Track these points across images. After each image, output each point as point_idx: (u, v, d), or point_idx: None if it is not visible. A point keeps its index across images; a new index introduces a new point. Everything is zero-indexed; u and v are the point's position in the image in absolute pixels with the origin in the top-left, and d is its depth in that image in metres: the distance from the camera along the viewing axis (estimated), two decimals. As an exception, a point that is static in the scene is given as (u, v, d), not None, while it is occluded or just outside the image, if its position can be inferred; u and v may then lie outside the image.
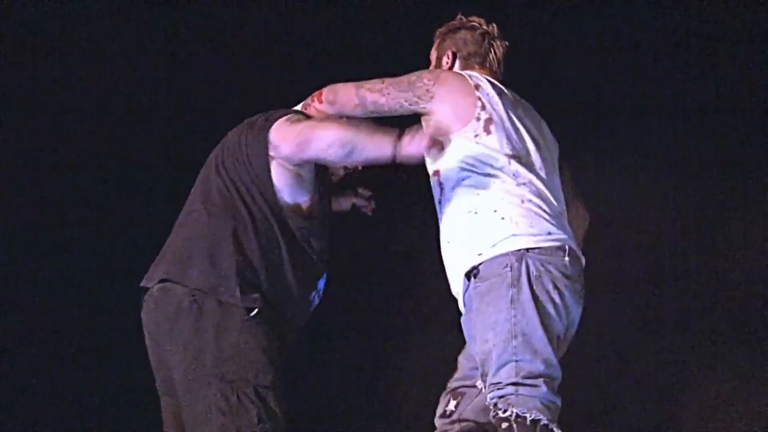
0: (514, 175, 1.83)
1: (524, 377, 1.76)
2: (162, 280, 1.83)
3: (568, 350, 1.95)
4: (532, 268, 1.79)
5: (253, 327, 1.78)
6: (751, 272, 3.11)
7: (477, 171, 1.85)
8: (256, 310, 1.78)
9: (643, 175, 3.20)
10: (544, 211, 1.84)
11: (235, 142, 1.92)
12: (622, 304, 3.15)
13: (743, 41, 3.21)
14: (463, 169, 1.86)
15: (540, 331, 1.77)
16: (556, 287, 1.80)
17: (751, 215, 3.17)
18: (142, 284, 1.90)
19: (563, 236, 1.84)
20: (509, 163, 1.84)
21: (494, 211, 1.81)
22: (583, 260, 1.90)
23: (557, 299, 1.79)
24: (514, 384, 1.75)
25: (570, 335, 1.88)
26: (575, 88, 3.23)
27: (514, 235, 1.80)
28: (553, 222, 1.85)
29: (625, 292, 3.17)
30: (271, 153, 1.84)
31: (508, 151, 1.85)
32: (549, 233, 1.82)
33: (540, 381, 1.77)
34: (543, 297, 1.79)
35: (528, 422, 1.71)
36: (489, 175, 1.84)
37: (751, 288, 3.12)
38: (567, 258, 1.82)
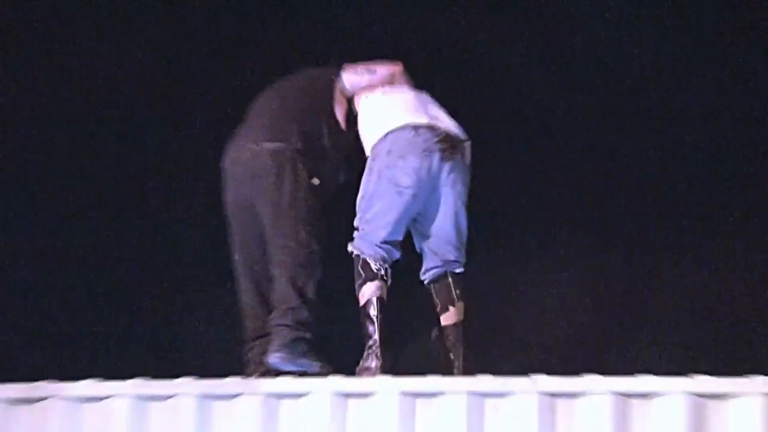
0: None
1: (363, 225, 2.81)
2: (260, 142, 2.85)
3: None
4: (386, 144, 2.78)
5: (313, 192, 2.86)
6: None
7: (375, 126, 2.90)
8: (316, 180, 2.88)
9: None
10: (407, 107, 2.88)
11: (288, 90, 3.03)
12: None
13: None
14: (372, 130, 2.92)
15: (380, 191, 2.77)
16: (401, 156, 2.75)
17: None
18: (236, 152, 2.90)
19: (416, 119, 2.80)
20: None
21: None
22: (441, 140, 2.78)
23: (400, 163, 2.76)
24: (356, 229, 2.84)
25: (433, 193, 2.80)
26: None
27: (385, 126, 2.82)
28: (414, 111, 2.85)
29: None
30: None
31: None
32: (406, 113, 2.84)
33: (367, 231, 2.80)
34: (391, 163, 2.77)
35: (354, 257, 2.82)
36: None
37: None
38: (412, 134, 2.76)
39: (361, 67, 3.03)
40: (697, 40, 4.15)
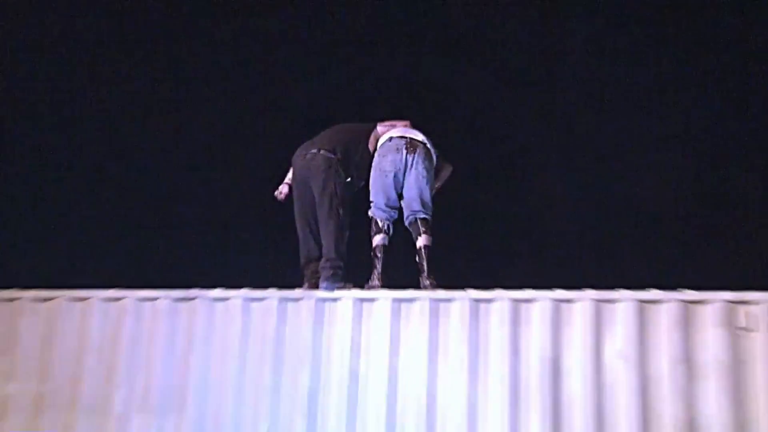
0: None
1: (372, 198, 4.86)
2: (319, 149, 4.88)
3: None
4: (379, 151, 4.92)
5: (346, 185, 4.84)
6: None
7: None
8: (349, 179, 4.85)
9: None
10: (393, 132, 4.96)
11: (344, 128, 5.11)
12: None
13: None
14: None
15: (376, 177, 4.83)
16: (384, 155, 4.83)
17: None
18: (304, 152, 4.94)
19: (393, 135, 4.91)
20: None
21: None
22: (407, 142, 4.86)
23: (384, 160, 4.82)
24: (371, 202, 4.91)
25: (405, 170, 4.78)
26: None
27: (380, 143, 4.96)
28: (395, 132, 4.91)
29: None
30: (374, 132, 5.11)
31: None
32: (391, 134, 4.96)
33: (375, 202, 4.81)
34: (380, 160, 4.86)
35: (371, 218, 4.89)
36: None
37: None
38: (390, 142, 4.85)
39: (387, 124, 5.10)
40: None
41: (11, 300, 4.91)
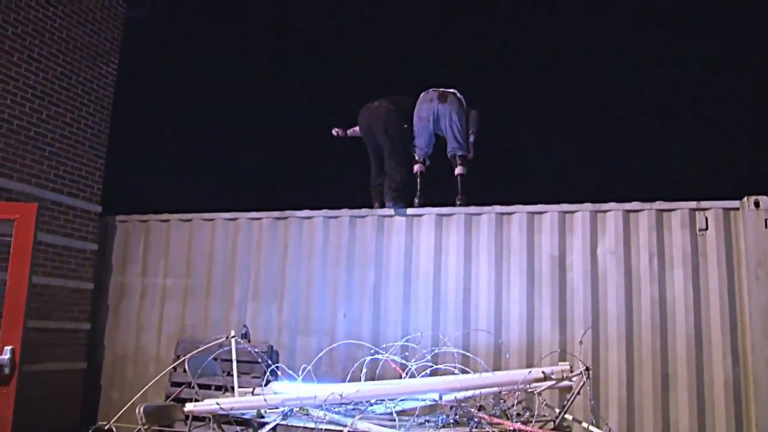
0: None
1: (415, 139, 6.64)
2: (381, 103, 6.70)
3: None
4: (418, 103, 6.67)
5: (403, 130, 6.60)
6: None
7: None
8: (406, 126, 6.65)
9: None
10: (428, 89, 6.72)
11: (393, 100, 6.78)
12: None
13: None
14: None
15: (417, 122, 6.57)
16: (422, 104, 6.61)
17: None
18: (369, 105, 6.72)
19: (429, 90, 6.70)
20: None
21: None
22: (439, 94, 6.57)
23: (422, 108, 6.57)
24: (414, 138, 6.70)
25: (439, 116, 6.44)
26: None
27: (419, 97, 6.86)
28: (429, 89, 6.71)
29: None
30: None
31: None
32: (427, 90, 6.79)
33: (416, 142, 6.56)
34: (419, 109, 6.57)
35: (414, 153, 6.69)
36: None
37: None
38: (426, 94, 6.64)
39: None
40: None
41: (164, 221, 6.78)
